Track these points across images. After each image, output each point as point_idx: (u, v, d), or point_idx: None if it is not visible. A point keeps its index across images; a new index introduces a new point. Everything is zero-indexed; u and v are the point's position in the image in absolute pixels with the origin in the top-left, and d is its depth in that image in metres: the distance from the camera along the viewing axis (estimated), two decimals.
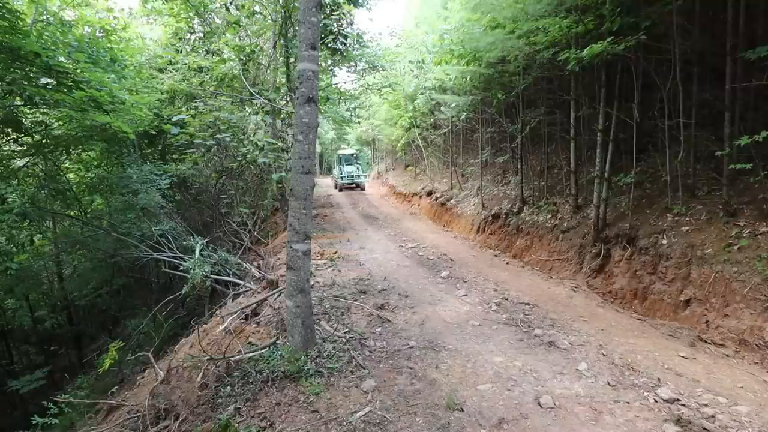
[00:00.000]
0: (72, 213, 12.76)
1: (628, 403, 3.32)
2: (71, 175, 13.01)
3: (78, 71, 7.85)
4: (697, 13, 6.21)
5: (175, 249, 9.06)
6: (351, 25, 11.98)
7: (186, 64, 11.77)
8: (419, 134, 18.77)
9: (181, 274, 7.74)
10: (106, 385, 7.85)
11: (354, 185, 23.47)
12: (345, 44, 11.70)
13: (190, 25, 12.86)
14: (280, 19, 10.07)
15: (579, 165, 8.85)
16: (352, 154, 25.71)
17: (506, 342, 4.51)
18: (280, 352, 3.99)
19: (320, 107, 11.65)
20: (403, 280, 6.94)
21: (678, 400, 3.34)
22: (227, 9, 11.22)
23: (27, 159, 11.05)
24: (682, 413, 3.15)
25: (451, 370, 3.88)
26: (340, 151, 27.45)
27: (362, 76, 14.61)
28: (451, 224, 13.85)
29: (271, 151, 9.28)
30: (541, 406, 3.26)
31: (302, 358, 3.86)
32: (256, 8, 10.83)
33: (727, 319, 4.89)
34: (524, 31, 7.87)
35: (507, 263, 8.71)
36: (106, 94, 8.12)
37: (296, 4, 8.11)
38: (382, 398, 3.41)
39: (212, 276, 7.56)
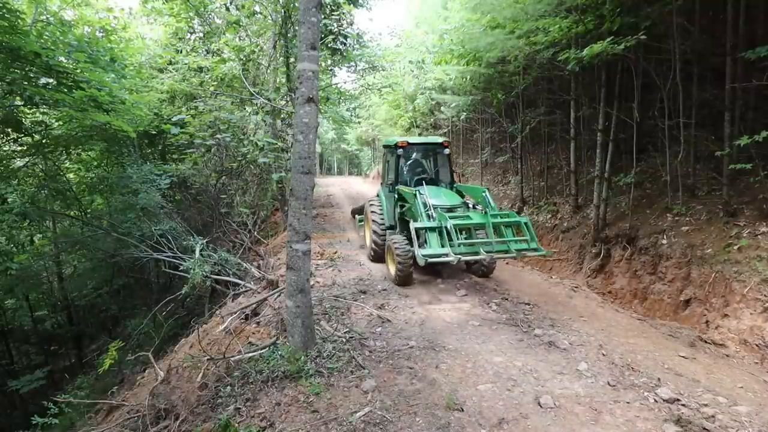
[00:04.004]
0: (72, 213, 12.76)
1: (628, 403, 3.32)
2: (71, 175, 13.02)
3: (78, 71, 7.85)
4: (697, 13, 6.21)
5: (175, 249, 9.06)
6: (351, 25, 11.97)
7: (186, 64, 11.78)
8: (419, 134, 18.77)
9: (181, 274, 7.74)
10: (106, 385, 7.86)
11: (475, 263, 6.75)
12: (345, 44, 11.71)
13: (190, 25, 12.86)
14: (280, 19, 10.07)
15: (579, 165, 8.85)
16: (446, 153, 7.68)
17: (506, 342, 4.51)
18: (280, 352, 3.99)
19: (320, 107, 11.64)
20: None
21: (678, 400, 3.34)
22: (227, 9, 11.21)
23: (27, 159, 11.06)
24: (682, 413, 3.15)
25: (451, 370, 3.87)
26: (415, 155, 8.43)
27: (362, 76, 14.59)
28: None
29: (271, 151, 9.28)
30: (541, 406, 3.26)
31: (302, 358, 3.86)
32: (256, 8, 10.82)
33: (727, 319, 4.89)
34: (524, 31, 7.88)
35: (506, 263, 8.70)
36: (106, 93, 8.13)
37: (296, 4, 8.10)
38: (382, 398, 3.41)
39: (212, 276, 7.56)
